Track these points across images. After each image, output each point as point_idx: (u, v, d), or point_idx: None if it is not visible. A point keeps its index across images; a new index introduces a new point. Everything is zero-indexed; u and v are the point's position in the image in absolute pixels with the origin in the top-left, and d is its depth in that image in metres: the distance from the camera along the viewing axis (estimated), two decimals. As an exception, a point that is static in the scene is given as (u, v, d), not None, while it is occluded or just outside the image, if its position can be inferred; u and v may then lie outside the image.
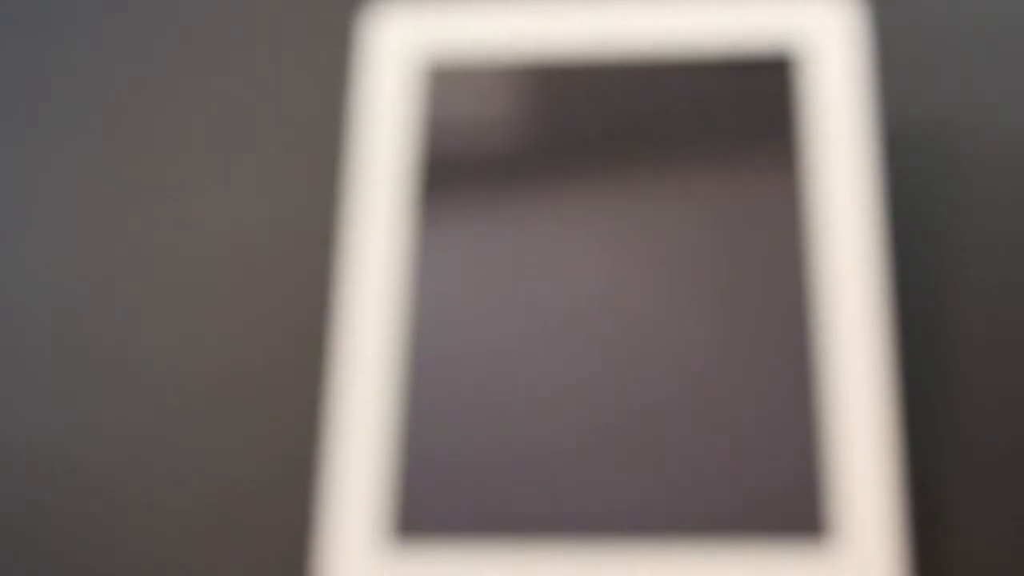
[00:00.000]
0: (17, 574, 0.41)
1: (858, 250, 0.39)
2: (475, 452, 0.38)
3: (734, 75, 0.41)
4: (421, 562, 0.37)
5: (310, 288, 0.45)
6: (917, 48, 0.47)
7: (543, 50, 0.42)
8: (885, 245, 0.44)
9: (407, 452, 0.38)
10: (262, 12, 0.50)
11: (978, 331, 0.43)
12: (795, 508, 0.37)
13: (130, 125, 0.48)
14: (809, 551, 0.36)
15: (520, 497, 0.37)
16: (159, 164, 0.47)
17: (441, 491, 0.38)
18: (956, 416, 0.41)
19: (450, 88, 0.42)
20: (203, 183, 0.47)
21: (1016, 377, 0.42)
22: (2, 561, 0.41)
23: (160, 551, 0.41)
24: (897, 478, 0.38)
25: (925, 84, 0.46)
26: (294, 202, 0.46)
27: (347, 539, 0.37)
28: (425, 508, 0.37)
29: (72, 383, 0.44)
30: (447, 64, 0.42)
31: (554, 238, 0.40)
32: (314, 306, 0.44)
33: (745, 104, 0.41)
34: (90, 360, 0.44)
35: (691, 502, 0.37)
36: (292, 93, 0.48)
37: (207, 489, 0.42)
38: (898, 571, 0.36)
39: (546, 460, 0.38)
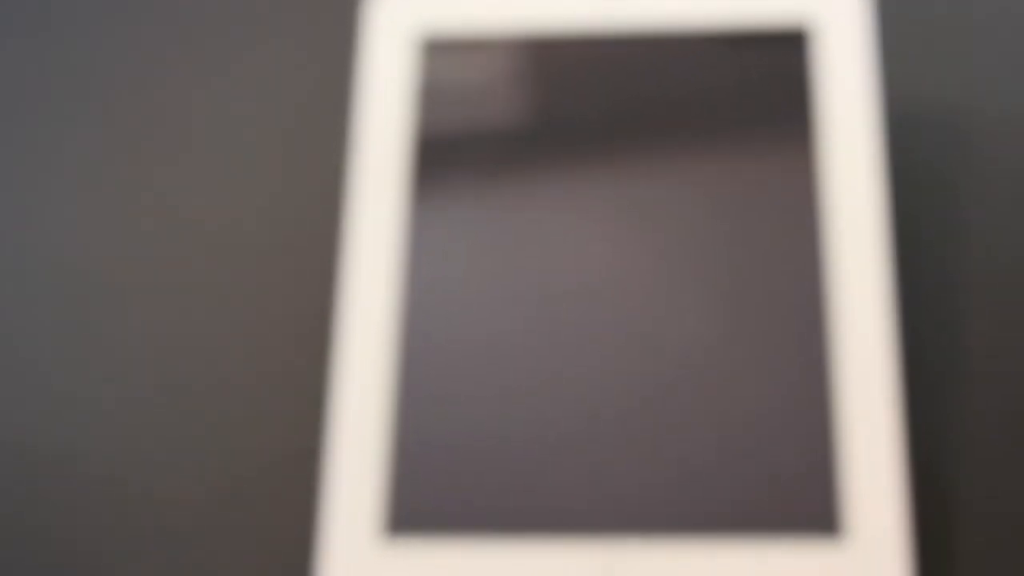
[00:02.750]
0: (16, 567, 0.41)
1: (867, 235, 0.39)
2: (475, 447, 0.38)
3: (738, 51, 0.41)
4: (416, 558, 0.37)
5: (314, 279, 0.45)
6: (926, 26, 0.47)
7: (548, 24, 0.42)
8: (892, 227, 0.43)
9: (402, 447, 0.38)
10: (263, 2, 0.50)
11: (985, 320, 0.42)
12: (801, 505, 0.37)
13: (127, 114, 0.48)
14: (815, 548, 0.36)
15: (522, 492, 0.37)
16: (158, 150, 0.47)
17: (438, 487, 0.37)
18: (963, 408, 0.41)
19: (452, 64, 0.42)
20: (201, 171, 0.47)
21: (1021, 367, 0.42)
22: (2, 555, 0.41)
23: (154, 549, 0.41)
24: (904, 473, 0.38)
25: (934, 62, 0.46)
26: (297, 190, 0.46)
27: (342, 535, 0.37)
28: (420, 504, 0.37)
29: (70, 379, 0.44)
30: (450, 41, 0.42)
31: (557, 221, 0.40)
32: (317, 297, 0.44)
33: (752, 81, 0.41)
34: (87, 353, 0.44)
35: (695, 499, 0.37)
36: (294, 81, 0.48)
37: (202, 487, 0.42)
38: (906, 568, 0.36)
39: (546, 455, 0.37)
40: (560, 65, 0.42)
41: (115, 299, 0.45)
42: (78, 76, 0.49)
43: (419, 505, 0.37)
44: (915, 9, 0.47)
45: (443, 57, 0.42)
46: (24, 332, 0.45)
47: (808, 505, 0.36)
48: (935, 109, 0.46)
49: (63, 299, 0.45)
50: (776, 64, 0.41)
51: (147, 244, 0.46)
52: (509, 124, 0.41)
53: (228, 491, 0.42)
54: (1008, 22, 0.47)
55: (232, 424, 0.43)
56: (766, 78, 0.41)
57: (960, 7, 0.47)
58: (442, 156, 0.41)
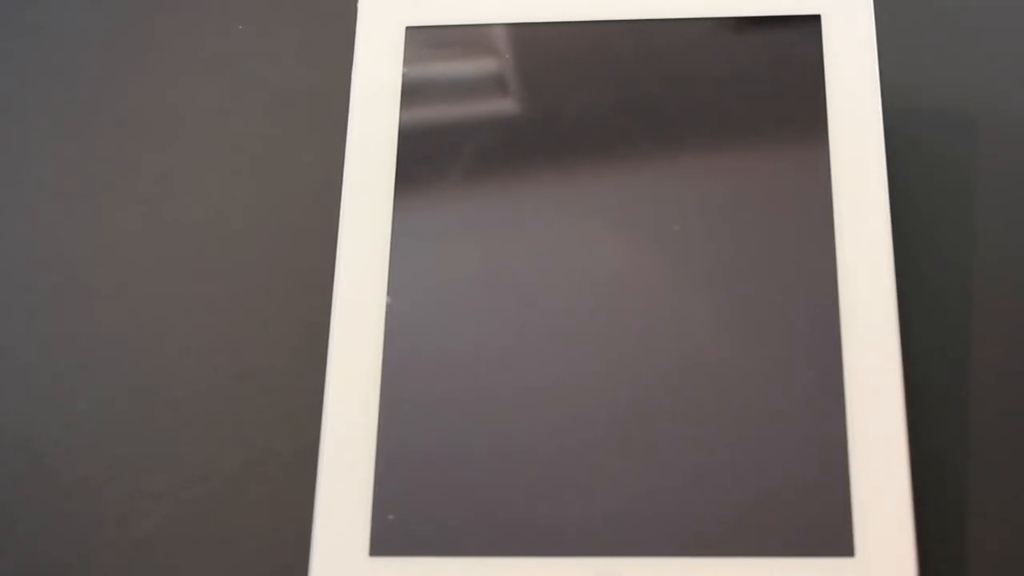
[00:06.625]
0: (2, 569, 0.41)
1: (873, 231, 0.38)
2: (468, 463, 0.37)
3: (745, 37, 0.41)
4: None
5: (312, 278, 0.44)
6: (927, 24, 0.47)
7: (550, 11, 0.42)
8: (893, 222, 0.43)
9: (390, 465, 0.37)
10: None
11: (986, 318, 0.42)
12: (809, 525, 0.36)
13: (119, 112, 0.48)
14: (822, 569, 0.35)
15: (512, 513, 0.36)
16: (149, 147, 0.47)
17: (426, 507, 0.37)
18: (965, 409, 0.41)
19: (446, 55, 0.41)
20: (193, 168, 0.47)
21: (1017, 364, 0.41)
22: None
23: (133, 557, 0.41)
24: (911, 488, 0.38)
25: (935, 59, 0.46)
26: (293, 188, 0.46)
27: (331, 556, 0.37)
28: (409, 524, 0.37)
29: (62, 379, 0.44)
30: (445, 32, 0.42)
31: (557, 219, 0.39)
32: (316, 295, 0.44)
33: (763, 68, 0.40)
34: (78, 354, 0.44)
35: (697, 518, 0.36)
36: (290, 78, 0.48)
37: (194, 488, 0.42)
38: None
39: (545, 473, 0.37)
40: (562, 53, 0.41)
41: (110, 298, 0.45)
42: (58, 45, 0.49)
43: (408, 526, 0.37)
44: (915, 7, 0.47)
45: (437, 48, 0.42)
46: (13, 334, 0.44)
47: (816, 526, 0.36)
48: (935, 106, 0.45)
49: (55, 300, 0.45)
50: (787, 51, 0.40)
51: (142, 243, 0.46)
52: (507, 116, 0.41)
53: (221, 493, 0.42)
54: (1009, 20, 0.47)
55: (227, 425, 0.43)
56: (776, 66, 0.40)
57: (961, 5, 0.47)
58: (438, 150, 0.40)
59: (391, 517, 0.37)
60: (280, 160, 0.46)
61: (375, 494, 0.37)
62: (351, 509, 0.37)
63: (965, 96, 0.45)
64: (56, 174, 0.47)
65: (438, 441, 0.37)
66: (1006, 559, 0.39)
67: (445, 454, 0.37)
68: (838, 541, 0.36)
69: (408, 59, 0.42)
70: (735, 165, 0.39)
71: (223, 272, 0.45)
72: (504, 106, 0.41)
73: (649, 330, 0.38)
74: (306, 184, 0.46)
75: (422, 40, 0.42)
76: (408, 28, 0.42)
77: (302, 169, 0.46)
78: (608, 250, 0.39)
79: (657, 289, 0.38)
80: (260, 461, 0.42)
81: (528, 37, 0.42)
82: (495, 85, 0.41)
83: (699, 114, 0.40)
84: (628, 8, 0.41)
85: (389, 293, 0.39)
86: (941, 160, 0.45)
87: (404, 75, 0.41)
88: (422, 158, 0.40)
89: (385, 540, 0.37)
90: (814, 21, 0.41)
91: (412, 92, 0.41)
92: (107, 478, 0.42)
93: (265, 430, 0.42)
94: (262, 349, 0.44)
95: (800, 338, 0.38)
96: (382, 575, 0.36)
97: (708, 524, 0.36)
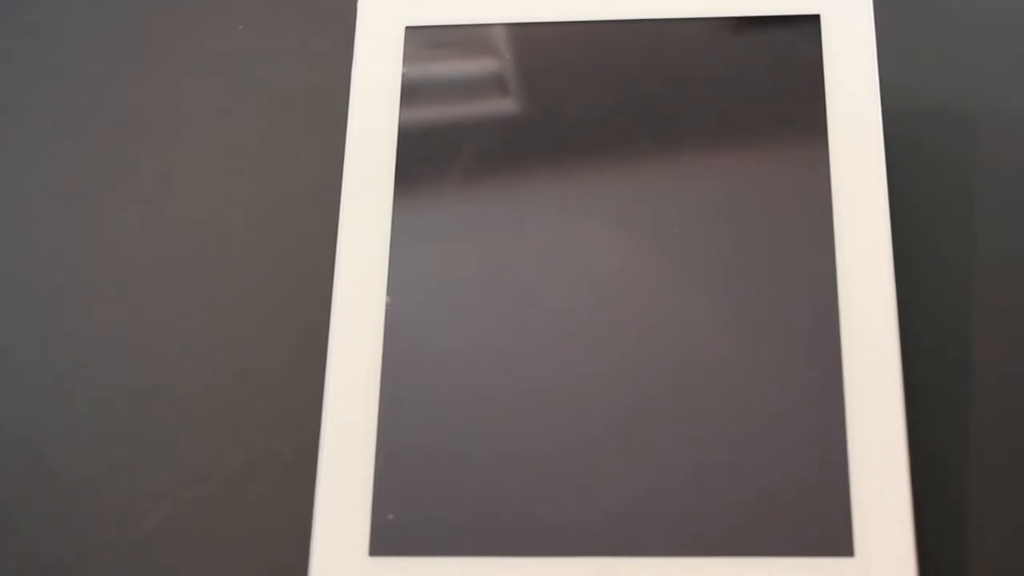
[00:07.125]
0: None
1: (873, 234, 0.38)
2: (467, 464, 0.37)
3: (746, 37, 0.40)
4: None
5: (312, 279, 0.44)
6: (927, 24, 0.46)
7: (549, 11, 0.41)
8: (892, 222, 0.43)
9: (390, 465, 0.37)
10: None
11: (988, 321, 0.42)
12: (809, 525, 0.36)
13: (118, 111, 0.47)
14: (822, 569, 0.35)
15: (512, 513, 0.36)
16: (148, 147, 0.47)
17: (426, 507, 0.37)
18: (966, 409, 0.41)
19: (445, 56, 0.41)
20: (192, 168, 0.46)
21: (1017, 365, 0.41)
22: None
23: (133, 557, 0.41)
24: (910, 490, 0.37)
25: (938, 53, 0.46)
26: (293, 188, 0.46)
27: (331, 556, 0.36)
28: (409, 524, 0.36)
29: (61, 379, 0.43)
30: (445, 32, 0.41)
31: (557, 220, 0.39)
32: (316, 296, 0.44)
33: (764, 68, 0.40)
34: (77, 354, 0.44)
35: (697, 518, 0.36)
36: (289, 77, 0.47)
37: (192, 489, 0.41)
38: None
39: (544, 473, 0.37)
40: (562, 53, 0.41)
41: (110, 298, 0.45)
42: (57, 45, 0.48)
43: (408, 525, 0.36)
44: (915, 7, 0.47)
45: (436, 48, 0.41)
46: (13, 334, 0.44)
47: (816, 526, 0.36)
48: (935, 106, 0.45)
49: (55, 300, 0.45)
50: (787, 51, 0.40)
51: (142, 243, 0.45)
52: (507, 116, 0.40)
53: (221, 493, 0.41)
54: (1009, 20, 0.47)
55: (227, 425, 0.42)
56: (775, 66, 0.40)
57: (961, 5, 0.47)
58: (438, 150, 0.40)
59: (391, 517, 0.37)
60: (280, 160, 0.46)
61: (375, 494, 0.37)
62: (351, 509, 0.37)
63: (965, 96, 0.45)
64: (56, 174, 0.47)
65: (438, 441, 0.37)
66: (1006, 559, 0.39)
67: (445, 453, 0.37)
68: (838, 541, 0.36)
69: (408, 59, 0.41)
70: (735, 165, 0.39)
71: (223, 272, 0.45)
72: (504, 106, 0.41)
73: (649, 330, 0.38)
74: (306, 184, 0.46)
75: (422, 40, 0.42)
76: (408, 28, 0.42)
77: (302, 169, 0.46)
78: (608, 250, 0.39)
79: (657, 289, 0.38)
80: (260, 461, 0.42)
81: (528, 37, 0.41)
82: (495, 85, 0.41)
83: (699, 114, 0.40)
84: (628, 8, 0.41)
85: (389, 293, 0.39)
86: (941, 160, 0.44)
87: (404, 75, 0.41)
88: (422, 158, 0.40)
89: (385, 540, 0.36)
90: (814, 21, 0.41)
91: (412, 92, 0.41)
92: (107, 478, 0.42)
93: (265, 430, 0.42)
94: (262, 349, 0.43)
95: (800, 338, 0.37)
96: (382, 575, 0.36)
97: (708, 524, 0.36)
